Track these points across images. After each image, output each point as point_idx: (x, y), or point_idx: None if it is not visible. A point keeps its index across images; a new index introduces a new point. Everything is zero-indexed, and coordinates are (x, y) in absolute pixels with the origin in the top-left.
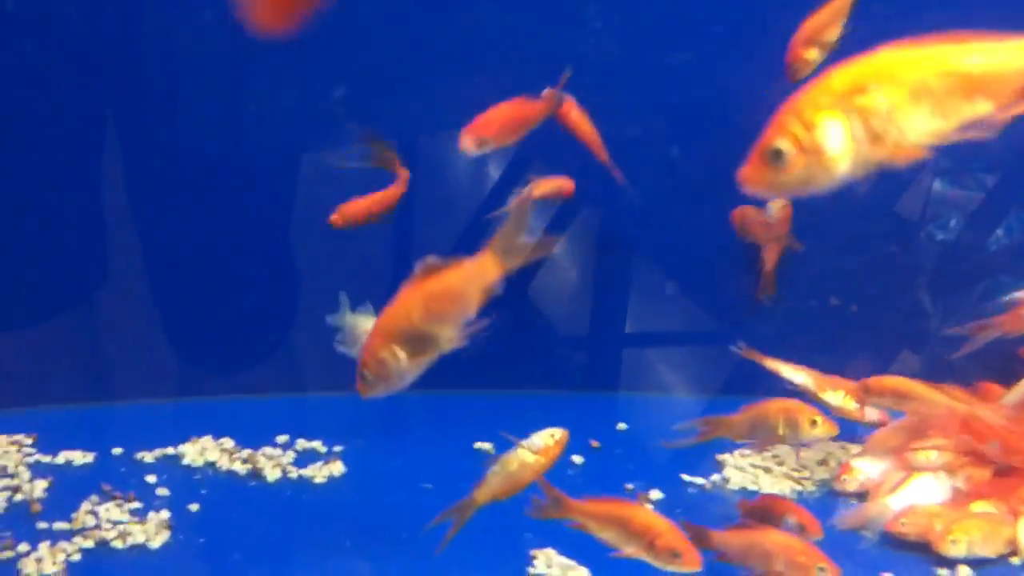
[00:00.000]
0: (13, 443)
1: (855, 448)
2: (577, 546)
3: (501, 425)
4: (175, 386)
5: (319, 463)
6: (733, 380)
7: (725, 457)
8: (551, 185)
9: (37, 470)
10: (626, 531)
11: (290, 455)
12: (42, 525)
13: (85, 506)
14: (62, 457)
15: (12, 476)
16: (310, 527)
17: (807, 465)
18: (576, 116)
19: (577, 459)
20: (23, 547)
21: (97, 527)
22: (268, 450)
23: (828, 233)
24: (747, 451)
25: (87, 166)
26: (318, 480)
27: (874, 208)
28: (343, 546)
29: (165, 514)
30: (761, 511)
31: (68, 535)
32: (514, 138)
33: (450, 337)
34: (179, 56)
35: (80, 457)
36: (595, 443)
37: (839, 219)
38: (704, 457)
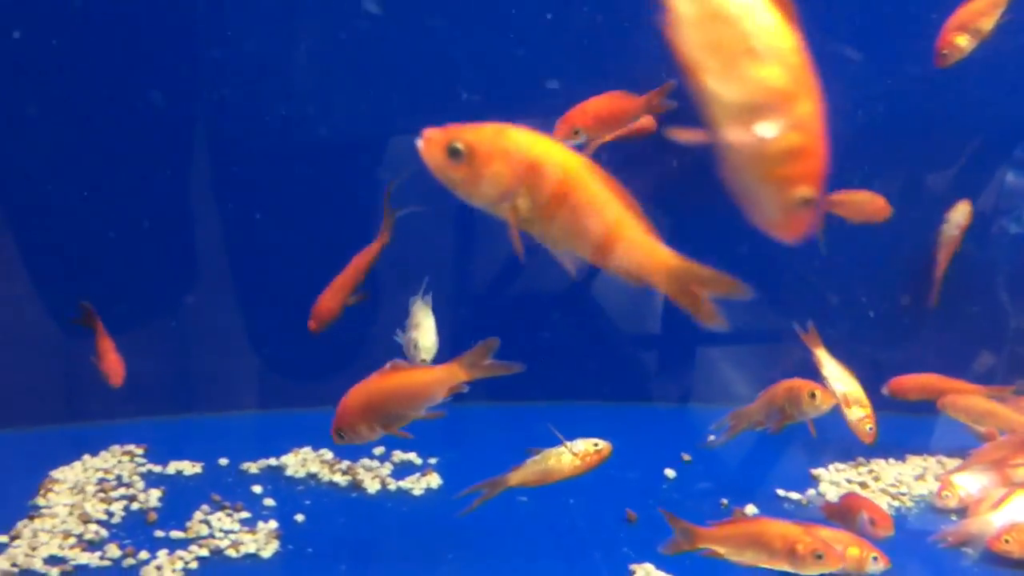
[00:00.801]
0: (126, 453)
1: (953, 463)
2: (675, 561)
3: (599, 436)
4: (274, 397)
5: (416, 475)
6: None
7: (820, 472)
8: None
9: (150, 480)
10: (763, 546)
11: (387, 467)
12: (159, 534)
13: (198, 515)
14: (172, 467)
15: (128, 485)
16: (413, 538)
17: (904, 480)
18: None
19: (670, 473)
20: (143, 555)
21: (211, 536)
22: (366, 462)
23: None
24: (841, 465)
25: (191, 178)
26: (416, 492)
27: (943, 202)
28: (445, 557)
29: (273, 524)
30: (841, 510)
31: (184, 544)
32: (607, 131)
33: (415, 415)
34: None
35: (189, 467)
36: (687, 456)
37: (908, 215)
38: (799, 471)
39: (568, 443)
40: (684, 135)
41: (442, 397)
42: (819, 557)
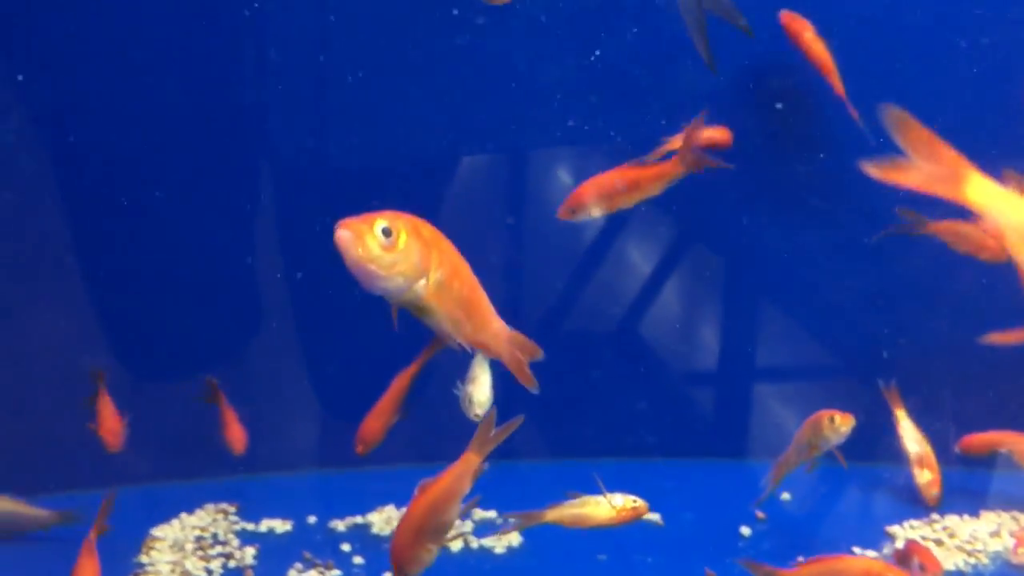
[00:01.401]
0: (219, 511)
1: None
2: None
3: (667, 493)
4: (354, 456)
5: (497, 534)
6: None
7: (895, 529)
8: (708, 135)
9: (244, 537)
10: None
11: (468, 524)
12: None
13: (292, 573)
14: (264, 525)
15: (224, 543)
16: None
17: (979, 536)
18: (810, 38)
19: (745, 531)
20: None
21: None
22: None
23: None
24: (916, 522)
25: (280, 236)
26: (499, 551)
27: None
28: None
29: None
30: (903, 556)
31: None
32: (618, 205)
33: (456, 517)
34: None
35: (280, 525)
36: (761, 515)
37: None
38: (875, 529)
39: (608, 494)
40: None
41: (469, 488)
42: None
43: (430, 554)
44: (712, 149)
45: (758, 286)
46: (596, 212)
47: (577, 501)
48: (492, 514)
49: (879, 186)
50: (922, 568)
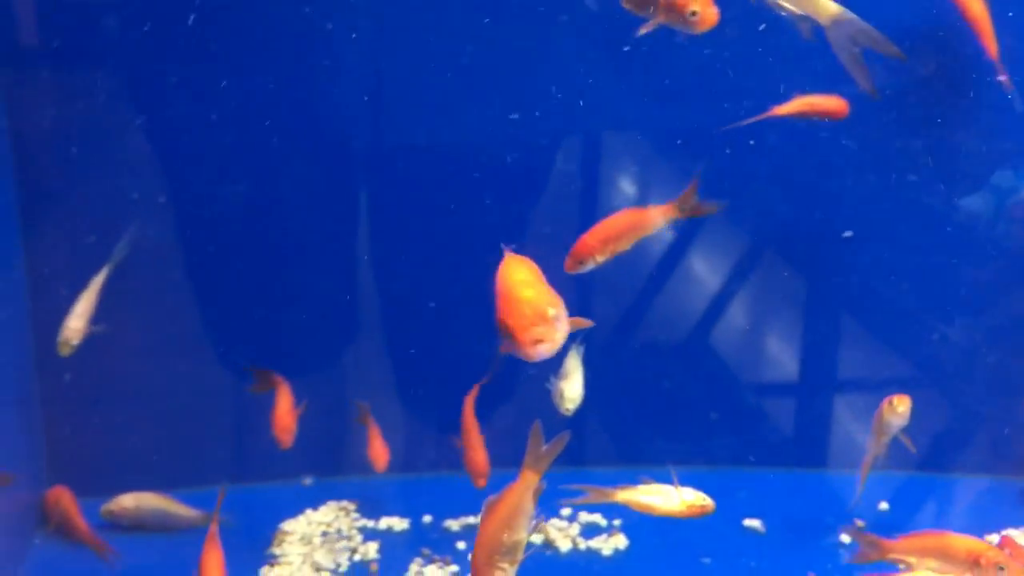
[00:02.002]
0: (342, 508)
1: None
2: None
3: (770, 502)
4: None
5: (603, 535)
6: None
7: (994, 537)
8: (823, 105)
9: (366, 533)
10: (948, 557)
11: (575, 527)
12: None
13: (413, 567)
14: (383, 523)
15: (348, 538)
16: None
17: None
18: None
19: (845, 538)
20: None
21: None
22: (556, 521)
23: None
24: (1016, 531)
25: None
26: (606, 552)
27: None
28: None
29: None
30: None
31: None
32: (622, 248)
33: (527, 534)
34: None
35: (398, 523)
36: (860, 522)
37: None
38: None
39: (679, 487)
40: None
41: (533, 505)
42: (1001, 569)
43: (505, 574)
44: (826, 118)
45: (834, 294)
46: (601, 259)
47: (650, 487)
48: (598, 517)
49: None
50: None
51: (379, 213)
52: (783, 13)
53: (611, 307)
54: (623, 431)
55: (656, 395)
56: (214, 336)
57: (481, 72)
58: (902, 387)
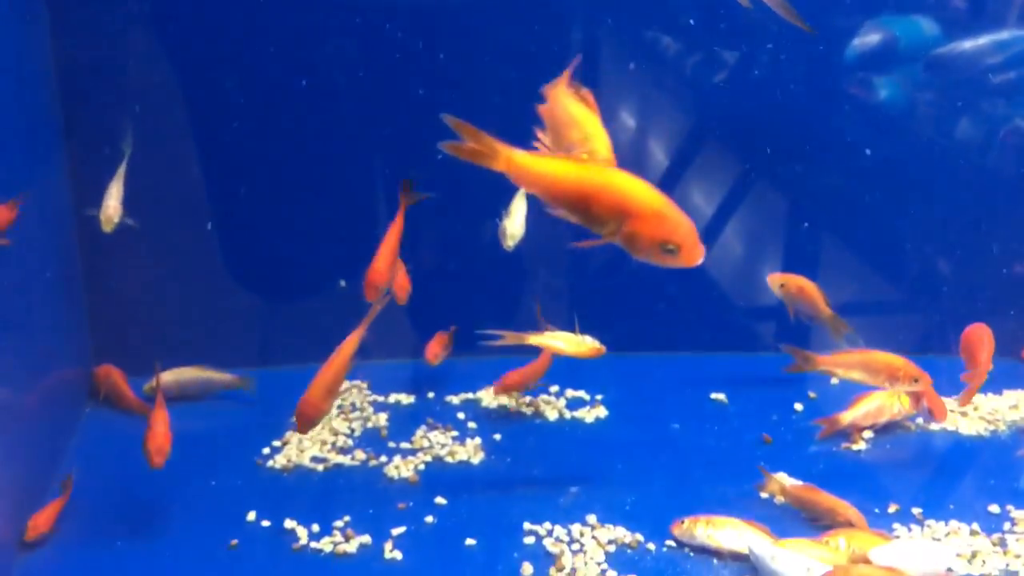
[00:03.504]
0: (354, 387)
1: None
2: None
3: (735, 382)
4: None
5: (587, 407)
6: None
7: None
8: None
9: (377, 406)
10: (870, 369)
11: (562, 401)
12: (391, 444)
13: (419, 432)
14: (392, 398)
15: (360, 410)
16: (589, 454)
17: (999, 409)
18: None
19: (798, 406)
20: (383, 459)
21: (431, 447)
22: (544, 397)
23: None
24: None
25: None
26: (588, 420)
27: None
28: (615, 468)
29: (478, 440)
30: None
31: (412, 452)
32: None
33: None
34: None
35: (405, 398)
36: (812, 394)
37: None
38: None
39: (580, 333)
40: None
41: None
42: (915, 381)
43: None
44: None
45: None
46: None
47: (556, 334)
48: (582, 393)
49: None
50: (930, 413)
51: None
52: None
53: None
54: (619, 321)
55: (647, 291)
56: (245, 225)
57: None
58: (878, 300)
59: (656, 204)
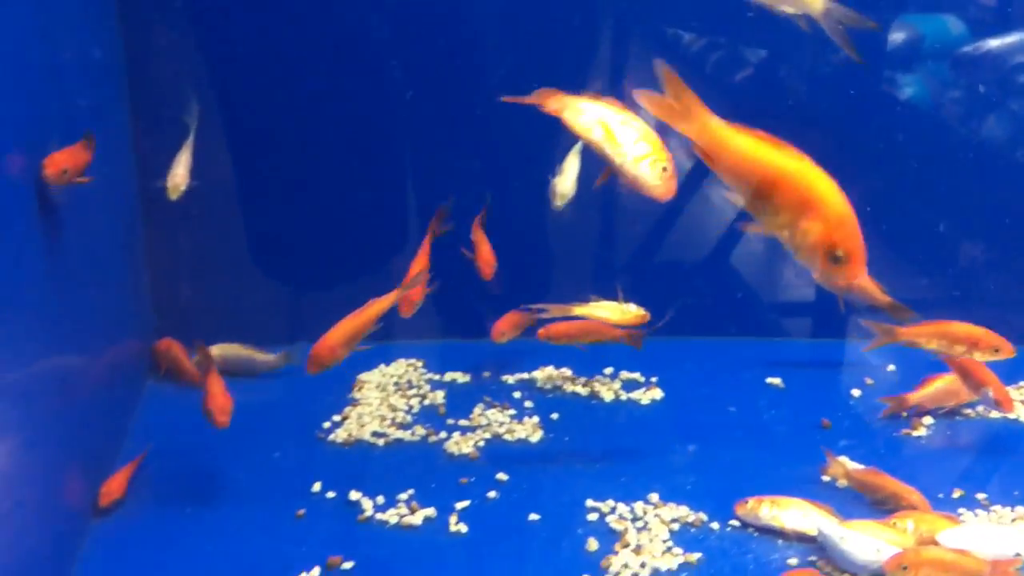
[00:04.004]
0: (410, 365)
1: None
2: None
3: (790, 366)
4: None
5: (642, 389)
6: None
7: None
8: None
9: (434, 384)
10: (950, 338)
11: (618, 383)
12: (450, 421)
13: (476, 410)
14: (448, 376)
15: (417, 388)
16: (647, 434)
17: None
18: None
19: (856, 392)
20: (442, 435)
21: (489, 425)
22: (600, 378)
23: None
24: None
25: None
26: (644, 401)
27: None
28: (672, 448)
29: (536, 419)
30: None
31: (471, 429)
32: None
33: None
34: None
35: (461, 377)
36: (870, 380)
37: None
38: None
39: (626, 302)
40: None
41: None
42: (996, 351)
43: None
44: None
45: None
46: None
47: (600, 303)
48: (637, 375)
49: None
50: (997, 403)
51: None
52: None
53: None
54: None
55: (701, 278)
56: (299, 208)
57: None
58: (913, 293)
59: (842, 209)
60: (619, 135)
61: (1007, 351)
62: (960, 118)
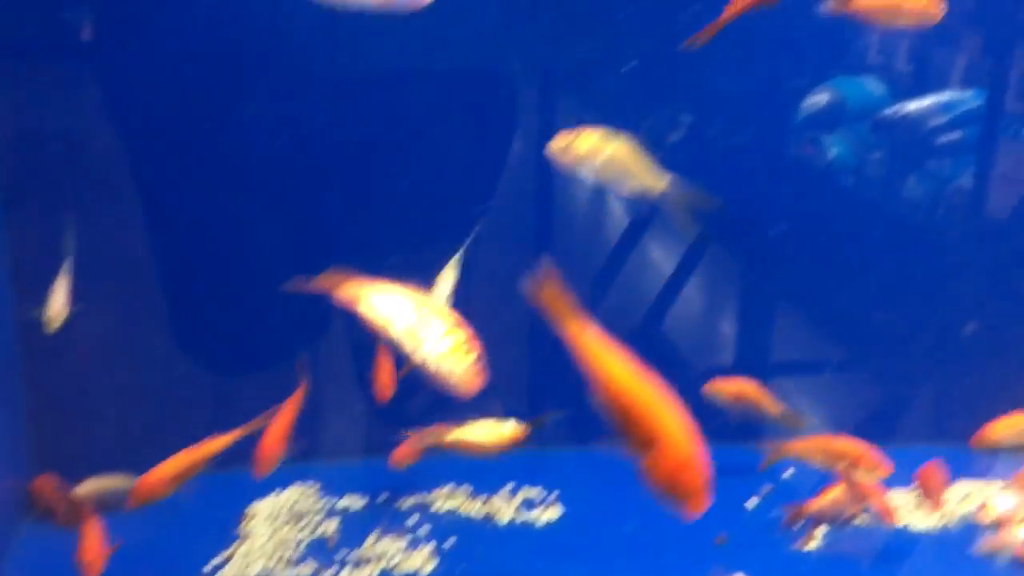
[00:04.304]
0: (304, 491)
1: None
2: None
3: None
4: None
5: (540, 508)
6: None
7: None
8: None
9: (328, 512)
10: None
11: (519, 498)
12: (342, 552)
13: (370, 540)
14: (343, 503)
15: (310, 516)
16: (540, 560)
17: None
18: None
19: (750, 504)
20: (332, 570)
21: (382, 557)
22: (500, 495)
23: None
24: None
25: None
26: (540, 524)
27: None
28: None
29: (431, 546)
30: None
31: (364, 562)
32: None
33: None
34: None
35: (357, 502)
36: (767, 487)
37: None
38: None
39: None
40: None
41: None
42: (875, 469)
43: None
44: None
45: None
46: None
47: (477, 423)
48: (537, 491)
49: None
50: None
51: None
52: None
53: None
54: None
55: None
56: (185, 331)
57: None
58: (838, 368)
59: (685, 448)
60: (422, 330)
61: (883, 470)
62: (881, 179)
